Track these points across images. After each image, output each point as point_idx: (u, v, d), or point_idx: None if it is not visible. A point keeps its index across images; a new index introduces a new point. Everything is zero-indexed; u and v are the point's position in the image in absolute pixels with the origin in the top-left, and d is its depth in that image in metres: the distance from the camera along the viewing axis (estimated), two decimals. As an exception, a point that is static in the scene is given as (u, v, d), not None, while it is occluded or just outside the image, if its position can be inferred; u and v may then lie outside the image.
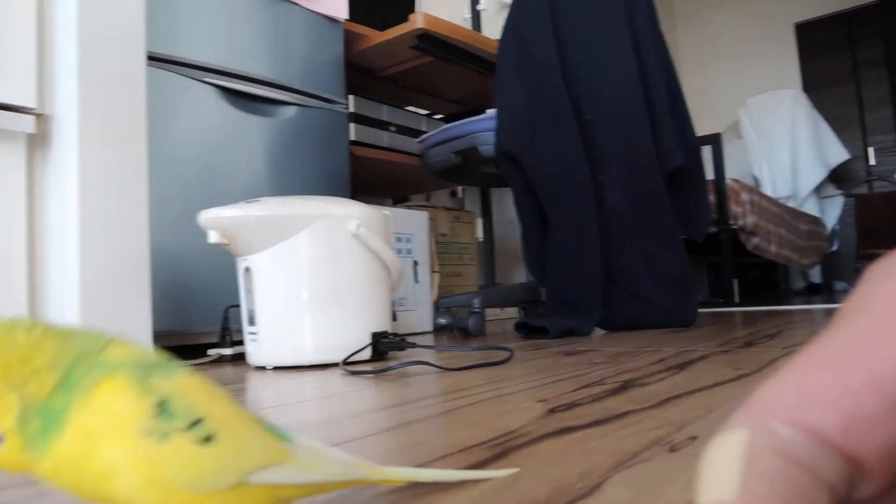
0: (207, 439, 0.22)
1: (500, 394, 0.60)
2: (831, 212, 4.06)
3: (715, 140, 2.47)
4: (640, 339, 1.14)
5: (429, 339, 1.43)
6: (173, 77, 1.19)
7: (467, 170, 1.66)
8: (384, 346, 0.97)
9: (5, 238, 0.97)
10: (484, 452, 0.37)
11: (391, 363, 0.92)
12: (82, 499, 0.21)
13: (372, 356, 0.97)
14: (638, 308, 1.37)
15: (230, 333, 1.14)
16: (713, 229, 2.38)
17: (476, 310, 1.46)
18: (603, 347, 1.03)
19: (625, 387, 0.60)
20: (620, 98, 1.36)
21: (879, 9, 3.91)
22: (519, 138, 1.37)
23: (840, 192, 4.09)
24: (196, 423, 0.22)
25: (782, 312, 1.77)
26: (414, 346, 0.95)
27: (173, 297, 1.15)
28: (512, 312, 2.48)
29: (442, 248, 2.00)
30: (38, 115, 1.00)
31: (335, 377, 0.81)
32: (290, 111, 1.39)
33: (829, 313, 1.63)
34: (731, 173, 3.02)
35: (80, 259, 0.93)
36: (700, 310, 1.92)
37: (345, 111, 1.51)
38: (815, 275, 4.10)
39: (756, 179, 4.00)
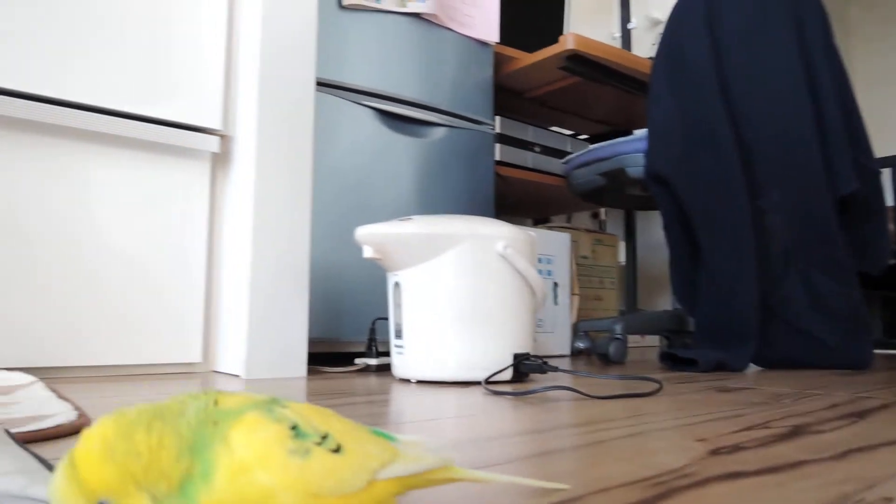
0: (338, 449, 0.25)
1: (650, 428, 0.57)
2: None
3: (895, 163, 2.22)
4: (804, 380, 1.04)
5: (566, 363, 1.40)
6: (336, 100, 1.28)
7: (612, 192, 1.62)
8: (525, 368, 0.96)
9: (191, 242, 1.09)
10: (644, 491, 0.36)
11: (532, 386, 0.92)
12: None
13: (512, 377, 0.97)
14: (801, 345, 1.26)
15: (376, 344, 1.19)
16: (893, 261, 2.14)
17: (618, 336, 1.41)
18: (761, 386, 0.95)
19: (795, 433, 0.55)
20: (786, 116, 1.26)
21: None
22: (671, 159, 1.32)
23: None
24: (325, 437, 0.25)
25: (978, 362, 1.54)
26: (556, 369, 0.93)
27: (325, 307, 1.22)
28: (652, 340, 2.37)
29: (583, 271, 1.96)
30: (222, 136, 1.12)
31: (476, 396, 0.82)
32: (440, 132, 1.44)
33: None
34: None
35: (252, 265, 1.02)
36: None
37: (491, 132, 1.54)
38: None
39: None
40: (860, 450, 0.48)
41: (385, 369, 1.19)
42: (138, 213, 1.03)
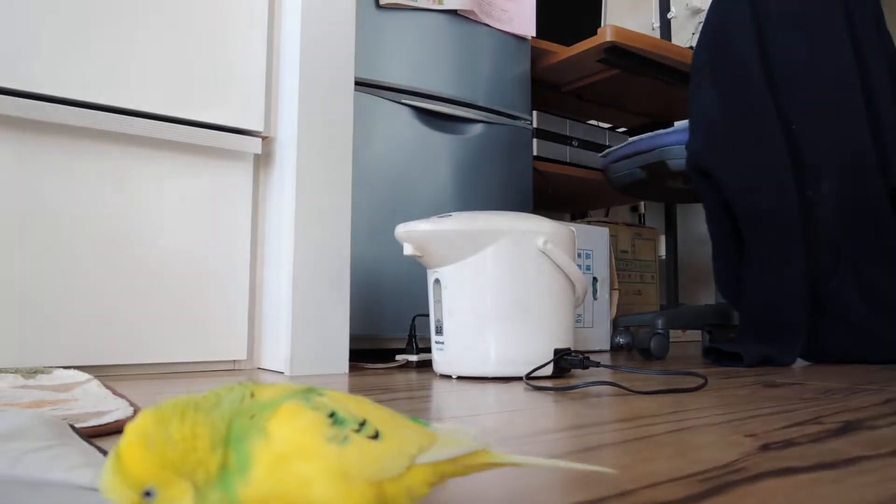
0: (376, 436, 0.25)
1: (696, 423, 0.56)
2: None
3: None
4: (855, 375, 1.01)
5: (605, 358, 1.39)
6: (375, 100, 1.29)
7: (653, 185, 1.60)
8: (566, 364, 0.96)
9: (235, 243, 1.11)
10: (694, 486, 0.35)
11: (574, 381, 0.91)
12: None
13: (553, 373, 0.97)
14: (851, 338, 1.22)
15: (416, 341, 1.20)
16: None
17: (659, 331, 1.39)
18: (810, 381, 0.93)
19: (848, 428, 0.53)
20: (836, 104, 1.23)
21: None
22: (714, 151, 1.29)
23: None
24: (363, 424, 0.25)
25: None
26: (598, 365, 0.93)
27: (365, 303, 1.23)
28: (694, 336, 2.33)
29: (622, 266, 1.94)
30: (264, 138, 1.14)
31: (517, 391, 0.82)
32: (478, 128, 1.44)
33: None
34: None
35: (294, 262, 1.04)
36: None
37: (529, 127, 1.53)
38: None
39: None
40: (919, 446, 0.46)
41: (425, 365, 1.20)
42: (185, 215, 1.06)
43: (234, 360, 1.12)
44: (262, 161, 1.16)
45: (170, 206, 1.05)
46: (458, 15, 1.41)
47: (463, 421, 0.59)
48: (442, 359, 1.00)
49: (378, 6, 1.30)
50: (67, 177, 0.97)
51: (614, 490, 0.34)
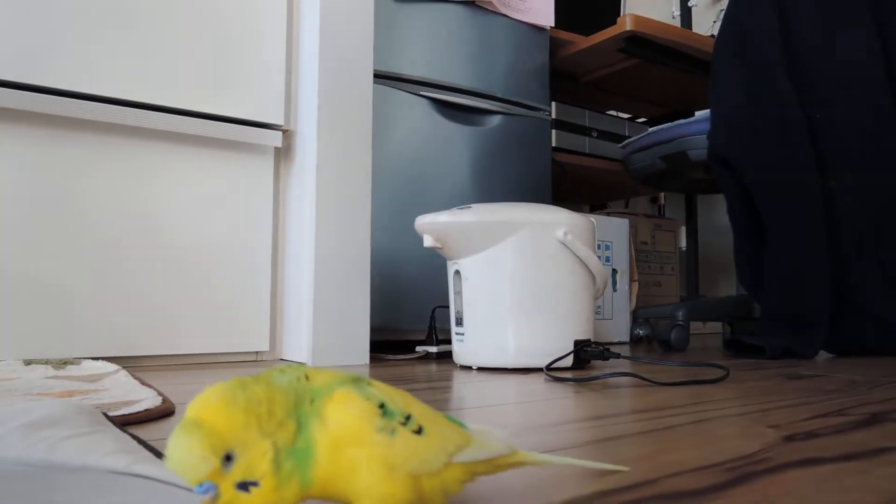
0: (419, 431, 0.26)
1: (718, 415, 0.56)
2: None
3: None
4: (879, 367, 1.00)
5: (625, 350, 1.38)
6: (393, 92, 1.29)
7: (673, 175, 1.59)
8: (586, 355, 0.96)
9: (256, 236, 1.13)
10: (718, 475, 0.35)
11: (594, 372, 0.91)
12: (330, 500, 0.25)
13: (573, 364, 0.97)
14: (875, 331, 1.21)
15: (436, 332, 1.21)
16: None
17: (679, 322, 1.38)
18: (833, 373, 0.92)
19: (873, 420, 0.53)
20: (860, 94, 1.20)
21: None
22: (736, 140, 1.28)
23: None
24: (408, 418, 0.26)
25: None
26: (618, 356, 0.93)
27: (385, 295, 1.24)
28: (714, 328, 2.31)
29: (642, 257, 1.93)
30: (285, 131, 1.15)
31: (538, 382, 0.82)
32: (496, 119, 1.43)
33: None
34: None
35: (315, 254, 1.05)
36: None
37: (548, 118, 1.52)
38: None
39: None
40: (946, 438, 0.46)
41: (445, 357, 1.20)
42: (207, 208, 1.08)
43: (257, 352, 1.13)
44: (283, 154, 1.17)
45: (192, 199, 1.07)
46: (476, 6, 1.41)
47: (484, 412, 0.59)
48: (462, 350, 1.00)
49: (396, -2, 1.30)
50: (92, 172, 0.99)
51: (637, 479, 0.35)
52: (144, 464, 0.32)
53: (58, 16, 0.95)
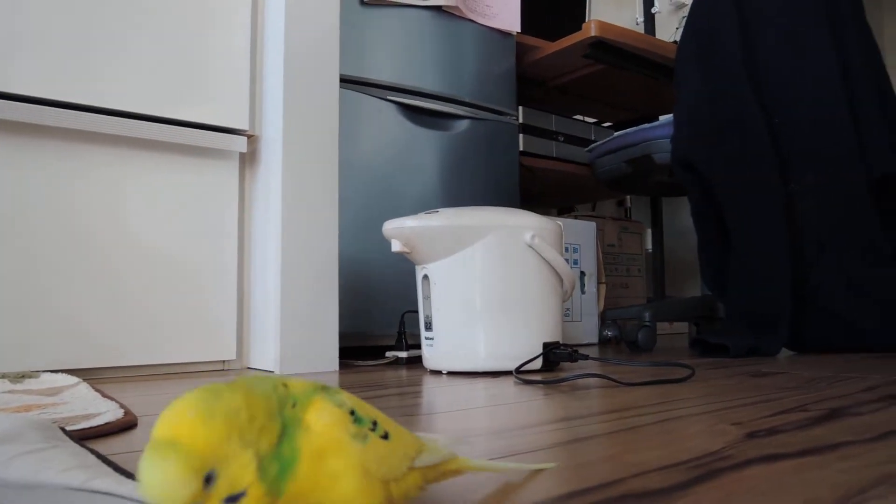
0: (386, 436, 0.26)
1: (684, 413, 0.57)
2: None
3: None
4: (838, 364, 1.02)
5: (594, 351, 1.40)
6: (360, 97, 1.29)
7: (638, 179, 1.61)
8: (556, 357, 0.97)
9: (222, 242, 1.11)
10: (683, 473, 0.36)
11: (563, 374, 0.92)
12: None
13: (542, 366, 0.98)
14: (835, 329, 1.24)
15: (406, 337, 1.20)
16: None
17: (647, 323, 1.40)
18: (794, 370, 0.94)
19: (832, 415, 0.54)
20: (818, 98, 1.24)
21: None
22: (699, 144, 1.30)
23: None
24: (375, 424, 0.26)
25: None
26: (586, 357, 0.93)
27: (354, 301, 1.23)
28: (681, 328, 2.35)
29: (609, 259, 1.95)
30: (249, 136, 1.13)
31: (507, 385, 0.83)
32: (463, 124, 1.44)
33: None
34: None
35: (282, 260, 1.04)
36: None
37: (515, 122, 1.54)
38: None
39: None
40: (901, 431, 0.47)
41: (415, 362, 1.20)
42: (170, 215, 1.06)
43: (224, 361, 1.11)
44: (248, 159, 1.16)
45: (156, 206, 1.04)
46: (443, 11, 1.41)
47: (454, 416, 0.59)
48: (432, 354, 1.00)
49: (362, 3, 1.30)
50: (50, 179, 0.96)
51: (604, 479, 0.35)
52: (103, 478, 0.31)
53: (19, 21, 0.93)
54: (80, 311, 0.97)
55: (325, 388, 0.26)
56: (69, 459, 0.34)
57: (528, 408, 0.63)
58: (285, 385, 0.25)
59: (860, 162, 1.23)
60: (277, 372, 1.02)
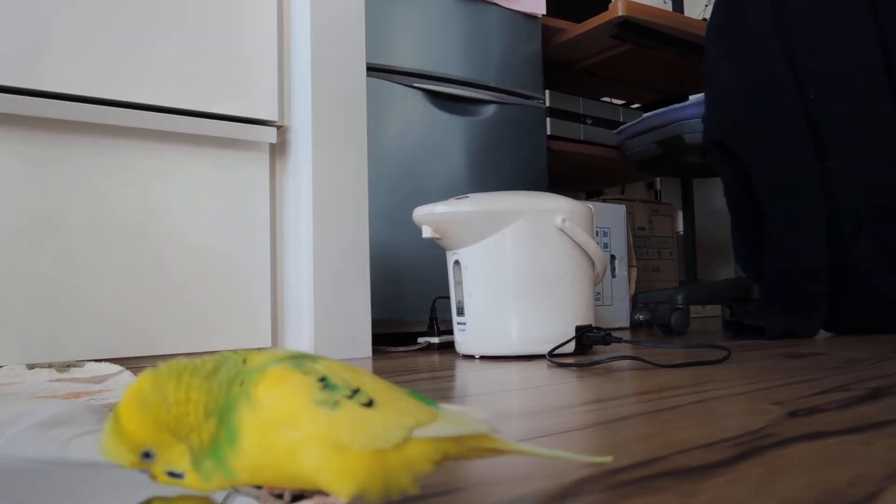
0: (370, 403, 0.24)
1: (721, 394, 0.57)
2: None
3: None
4: (879, 344, 1.00)
5: (626, 336, 1.39)
6: (387, 84, 1.29)
7: (669, 160, 1.59)
8: (588, 340, 0.96)
9: (255, 232, 1.13)
10: (725, 451, 0.36)
11: (596, 357, 0.92)
12: (276, 484, 0.24)
13: (575, 350, 0.97)
14: (875, 308, 1.21)
15: (437, 323, 1.21)
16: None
17: (679, 306, 1.39)
18: (833, 352, 0.92)
19: (876, 394, 0.54)
20: (855, 71, 1.21)
21: None
22: (731, 123, 1.28)
23: None
24: (356, 391, 0.24)
25: None
26: (620, 340, 0.93)
27: (385, 288, 1.24)
28: (713, 311, 2.32)
29: (640, 242, 1.93)
30: (279, 127, 1.15)
31: (540, 369, 0.83)
32: (490, 109, 1.43)
33: None
34: None
35: (314, 249, 1.05)
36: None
37: (542, 106, 1.52)
38: None
39: None
40: (948, 409, 0.46)
41: (448, 347, 1.21)
42: (204, 206, 1.08)
43: (260, 348, 1.13)
44: (278, 150, 1.17)
45: (190, 198, 1.06)
46: (468, -4, 1.40)
47: (487, 399, 0.60)
48: (464, 339, 1.01)
49: (387, -10, 1.30)
50: (88, 174, 0.99)
51: (646, 457, 0.35)
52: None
53: (49, 18, 0.95)
54: (121, 302, 0.99)
55: (297, 357, 0.25)
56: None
57: (562, 390, 0.63)
58: (245, 361, 0.25)
59: (899, 137, 1.20)
60: (312, 358, 1.04)
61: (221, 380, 0.24)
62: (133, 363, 1.01)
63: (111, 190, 1.00)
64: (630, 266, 1.69)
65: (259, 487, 0.27)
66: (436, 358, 1.02)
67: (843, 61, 1.22)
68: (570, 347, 0.97)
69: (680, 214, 2.16)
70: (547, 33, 1.61)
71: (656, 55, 1.71)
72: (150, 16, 1.03)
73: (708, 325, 1.73)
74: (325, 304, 1.05)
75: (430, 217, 0.97)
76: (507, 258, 0.96)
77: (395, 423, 0.24)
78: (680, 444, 0.38)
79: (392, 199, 1.27)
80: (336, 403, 0.24)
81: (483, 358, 0.99)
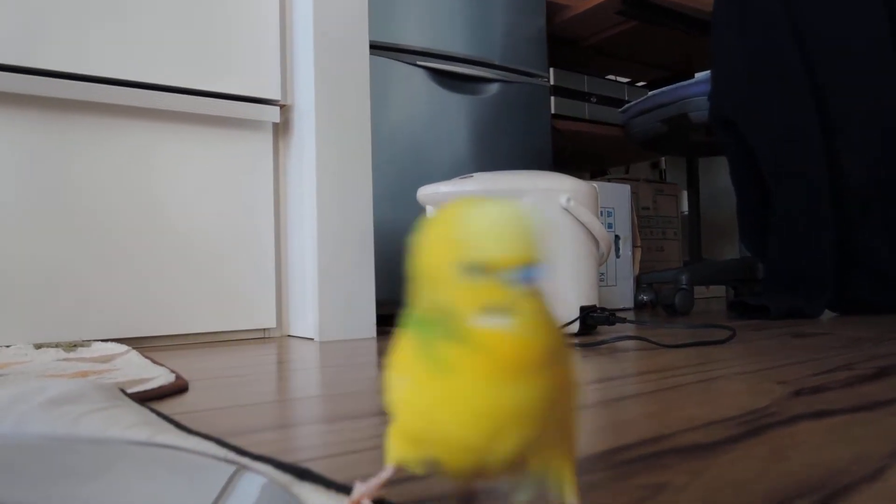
0: None
1: (726, 373, 0.57)
2: None
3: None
4: (884, 325, 1.00)
5: (630, 316, 1.39)
6: (390, 63, 1.28)
7: (674, 138, 1.58)
8: (593, 320, 0.97)
9: (258, 212, 1.12)
10: (731, 429, 0.36)
11: (601, 337, 0.92)
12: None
13: (580, 330, 0.98)
14: (882, 288, 1.21)
15: (441, 302, 1.21)
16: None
17: (683, 286, 1.39)
18: (838, 331, 0.92)
19: (881, 374, 0.54)
20: (862, 52, 1.19)
21: None
22: (738, 101, 1.26)
23: None
24: None
25: None
26: (624, 321, 0.93)
27: (390, 268, 1.24)
28: (717, 291, 2.32)
29: (644, 223, 1.93)
30: (282, 106, 1.14)
31: (546, 348, 0.83)
32: (494, 88, 1.42)
33: None
34: None
35: (318, 229, 1.05)
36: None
37: (547, 84, 1.51)
38: None
39: None
40: (953, 387, 0.46)
41: (451, 327, 1.21)
42: (208, 186, 1.07)
43: (264, 329, 1.14)
44: (282, 129, 1.16)
45: (193, 178, 1.06)
46: (472, -28, 1.38)
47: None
48: (468, 319, 1.01)
49: (390, -33, 1.28)
50: (92, 154, 0.98)
51: (653, 434, 0.35)
52: (166, 434, 0.32)
53: (48, -5, 0.94)
54: (127, 282, 1.00)
55: None
56: (133, 417, 0.35)
57: (568, 369, 0.63)
58: None
59: (909, 116, 1.18)
60: (317, 339, 1.04)
61: None
62: (139, 343, 1.02)
63: (115, 170, 1.00)
64: (634, 246, 1.69)
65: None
66: (440, 337, 1.03)
67: (850, 40, 1.20)
68: (575, 328, 0.97)
69: (685, 194, 2.15)
70: (551, 10, 1.59)
71: (662, 32, 1.69)
72: (151, -7, 1.02)
73: (712, 305, 1.73)
74: (329, 284, 1.06)
75: (434, 197, 0.96)
76: (511, 238, 0.95)
77: None
78: (685, 422, 0.38)
79: (396, 178, 1.27)
80: None
81: (487, 337, 0.99)
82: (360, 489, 0.23)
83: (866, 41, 1.20)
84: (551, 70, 1.60)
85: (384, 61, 1.27)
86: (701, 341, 0.80)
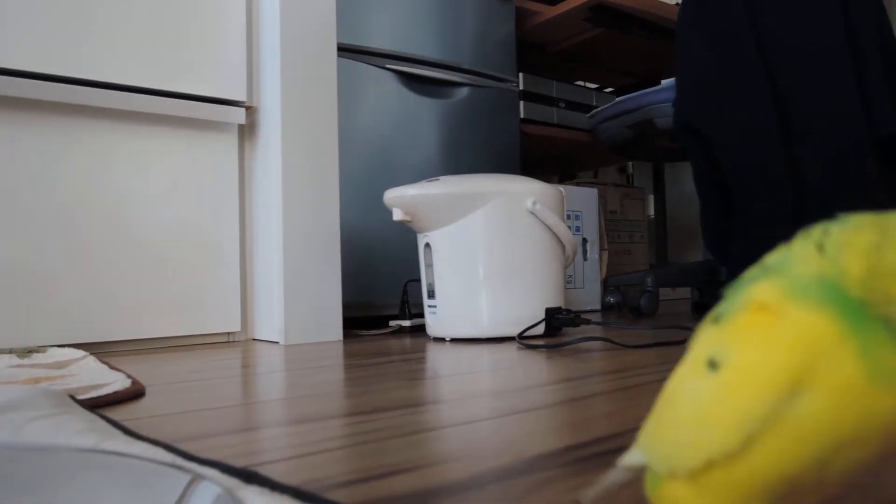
0: None
1: (688, 373, 0.58)
2: None
3: (935, 100, 2.14)
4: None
5: (597, 318, 1.41)
6: (358, 65, 1.27)
7: (641, 144, 1.60)
8: (558, 322, 0.97)
9: (223, 215, 1.11)
10: (684, 428, 0.36)
11: (566, 338, 0.93)
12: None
13: (546, 332, 0.98)
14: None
15: (409, 306, 1.21)
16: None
17: (649, 288, 1.41)
18: (797, 332, 0.95)
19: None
20: (822, 59, 1.22)
21: None
22: (702, 108, 1.29)
23: None
24: None
25: None
26: (588, 322, 0.94)
27: (357, 271, 1.24)
28: (683, 293, 2.36)
29: (611, 226, 1.95)
30: (248, 108, 1.13)
31: (510, 350, 0.83)
32: (464, 91, 1.43)
33: None
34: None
35: (283, 232, 1.04)
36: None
37: (516, 89, 1.52)
38: None
39: None
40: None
41: (419, 330, 1.21)
42: (171, 188, 1.06)
43: (229, 333, 1.12)
44: (247, 131, 1.15)
45: (157, 180, 1.04)
46: (440, -24, 1.39)
47: (459, 379, 0.60)
48: (435, 322, 1.01)
49: (358, -31, 1.28)
50: (51, 155, 0.96)
51: (604, 433, 0.35)
52: (114, 440, 0.31)
53: (4, -8, 0.91)
54: (86, 286, 0.97)
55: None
56: (80, 423, 0.34)
57: (531, 370, 0.64)
58: None
59: (865, 126, 1.22)
60: (282, 343, 1.03)
61: None
62: (97, 349, 1.00)
63: (76, 171, 0.98)
64: (602, 249, 1.70)
65: None
66: (407, 341, 1.03)
67: (810, 50, 1.24)
68: (541, 329, 0.98)
69: (651, 198, 2.18)
70: (521, 16, 1.60)
71: (629, 39, 1.71)
72: (112, -9, 1.00)
73: (680, 306, 1.76)
74: (295, 287, 1.05)
75: (401, 199, 0.96)
76: (477, 241, 0.96)
77: None
78: (639, 420, 0.39)
79: (363, 181, 1.27)
80: None
81: (454, 340, 0.99)
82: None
83: (824, 52, 1.23)
84: (520, 75, 1.62)
85: (353, 64, 1.27)
86: (662, 342, 0.82)
